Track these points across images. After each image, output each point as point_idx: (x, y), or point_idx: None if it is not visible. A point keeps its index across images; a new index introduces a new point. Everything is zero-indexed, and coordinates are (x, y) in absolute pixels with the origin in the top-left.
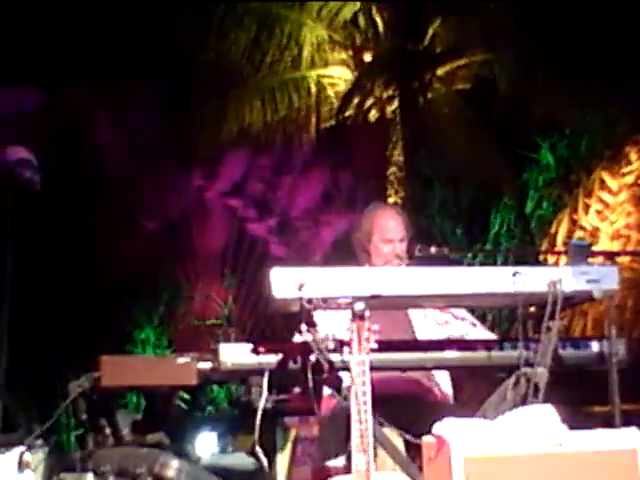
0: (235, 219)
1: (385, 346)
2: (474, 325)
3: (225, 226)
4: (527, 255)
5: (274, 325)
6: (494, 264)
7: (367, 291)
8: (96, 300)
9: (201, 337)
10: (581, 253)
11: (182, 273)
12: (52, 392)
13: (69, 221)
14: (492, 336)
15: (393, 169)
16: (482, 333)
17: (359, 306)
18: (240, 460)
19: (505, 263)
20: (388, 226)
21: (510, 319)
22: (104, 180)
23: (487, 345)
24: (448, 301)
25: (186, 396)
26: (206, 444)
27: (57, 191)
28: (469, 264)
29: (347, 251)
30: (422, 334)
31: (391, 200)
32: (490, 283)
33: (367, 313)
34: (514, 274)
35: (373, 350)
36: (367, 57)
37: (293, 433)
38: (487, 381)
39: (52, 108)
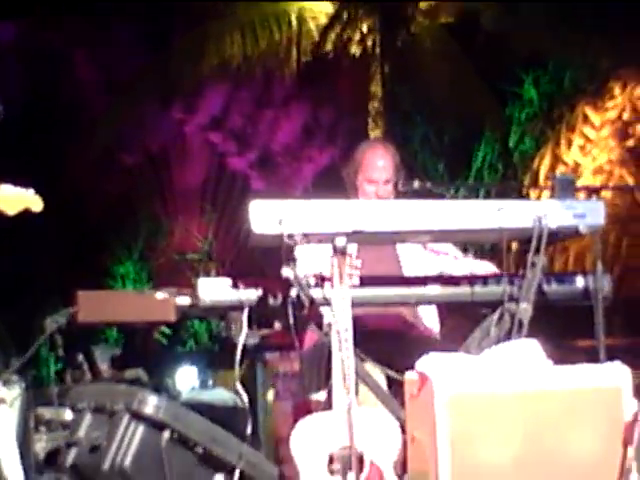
0: (215, 153)
1: (367, 281)
2: (456, 258)
3: (205, 160)
4: (510, 190)
5: (255, 260)
6: (477, 198)
7: (349, 226)
8: (75, 235)
9: (181, 272)
10: (567, 187)
11: (162, 207)
12: (31, 327)
13: (48, 156)
14: (480, 265)
15: (374, 104)
16: (464, 266)
17: (340, 241)
18: (220, 395)
19: (487, 198)
20: (374, 166)
21: (492, 254)
22: (83, 115)
23: (470, 280)
24: (432, 237)
25: (167, 330)
26: (186, 379)
27: (36, 126)
28: (451, 199)
29: (328, 186)
30: (409, 270)
31: (372, 135)
32: (474, 218)
33: (352, 248)
34: (499, 209)
35: (355, 285)
36: None
37: (274, 369)
38: (468, 317)
39: (30, 43)
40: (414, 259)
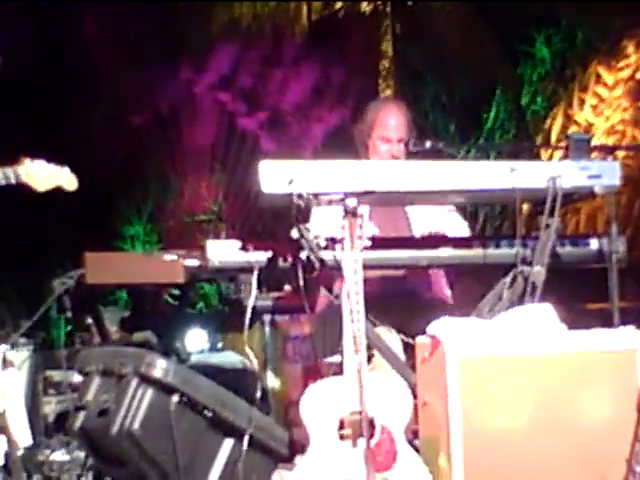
0: (224, 113)
1: (379, 243)
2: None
3: (214, 120)
4: (522, 150)
5: (264, 221)
6: (488, 159)
7: (360, 186)
8: (84, 196)
9: (191, 233)
10: (582, 147)
11: (171, 168)
12: (40, 288)
13: (55, 116)
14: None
15: (385, 63)
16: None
17: (351, 202)
18: (229, 358)
19: (499, 158)
20: (389, 124)
21: (502, 215)
22: (91, 73)
23: (483, 243)
24: (444, 197)
25: (176, 292)
26: (196, 341)
27: (43, 87)
28: (463, 159)
29: (338, 146)
30: (419, 232)
31: (383, 95)
32: (487, 179)
33: (364, 210)
34: (512, 170)
35: (366, 248)
36: None
37: (284, 331)
38: (478, 280)
39: (36, 3)
40: (423, 223)
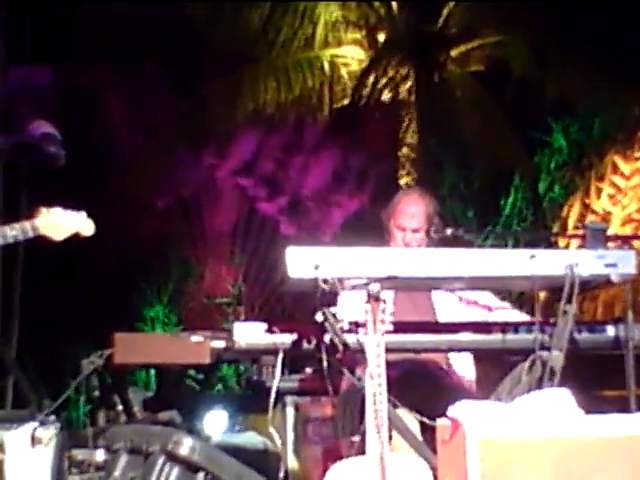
0: (245, 198)
1: (400, 328)
2: (489, 310)
3: (235, 205)
4: (539, 238)
5: (283, 304)
6: (505, 247)
7: (383, 272)
8: (106, 277)
9: (210, 315)
10: (598, 236)
11: (192, 251)
12: (61, 368)
13: (81, 198)
14: (512, 316)
15: (405, 150)
16: (497, 318)
17: (374, 287)
18: (250, 439)
19: (516, 246)
20: (405, 212)
21: (520, 300)
22: (116, 158)
23: (502, 328)
24: (464, 283)
25: (193, 373)
26: (216, 422)
27: (69, 169)
28: (479, 246)
29: (357, 232)
30: (443, 316)
31: (402, 182)
32: (507, 266)
33: (389, 294)
34: (531, 257)
35: (388, 331)
36: (381, 37)
37: (305, 413)
38: (495, 365)
39: (64, 86)
40: (448, 309)
